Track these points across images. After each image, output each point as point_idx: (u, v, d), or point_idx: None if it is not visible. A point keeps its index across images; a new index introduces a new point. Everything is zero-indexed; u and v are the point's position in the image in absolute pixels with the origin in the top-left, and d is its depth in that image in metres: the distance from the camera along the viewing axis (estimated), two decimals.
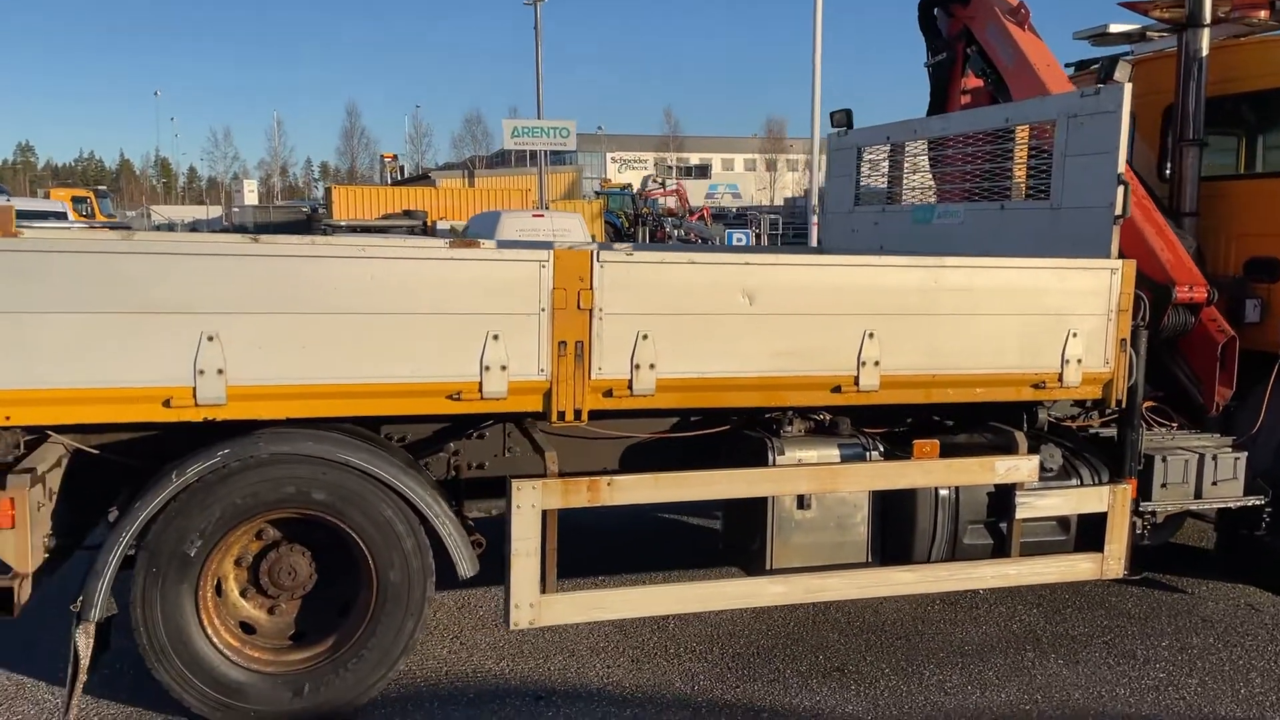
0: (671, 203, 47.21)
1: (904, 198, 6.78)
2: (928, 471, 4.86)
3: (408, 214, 27.39)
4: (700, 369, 4.46)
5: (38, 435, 4.00)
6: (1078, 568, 5.17)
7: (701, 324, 4.43)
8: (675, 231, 39.07)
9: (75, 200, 35.92)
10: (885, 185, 7.03)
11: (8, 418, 3.77)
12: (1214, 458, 5.40)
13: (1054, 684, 4.72)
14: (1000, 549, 5.13)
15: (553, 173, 46.40)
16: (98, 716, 4.26)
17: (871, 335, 4.64)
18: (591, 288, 4.25)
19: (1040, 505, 5.05)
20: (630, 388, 4.38)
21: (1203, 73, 5.87)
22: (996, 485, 5.05)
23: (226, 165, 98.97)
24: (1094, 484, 5.20)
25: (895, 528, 5.06)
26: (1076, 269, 4.90)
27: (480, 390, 4.20)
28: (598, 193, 52.20)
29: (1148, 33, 6.83)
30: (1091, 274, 4.92)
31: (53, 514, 4.04)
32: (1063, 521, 5.20)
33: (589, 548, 5.82)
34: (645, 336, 4.35)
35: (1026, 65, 6.19)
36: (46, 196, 39.46)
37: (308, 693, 4.17)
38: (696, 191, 51.27)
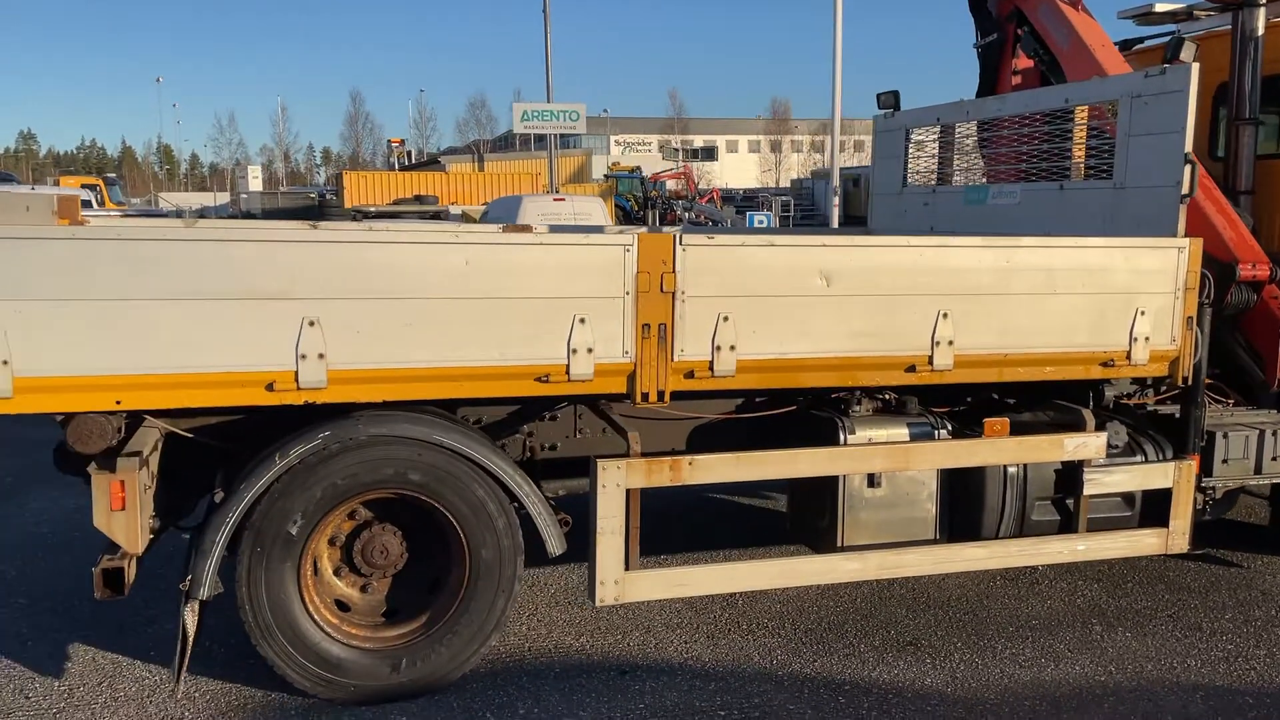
0: (677, 185, 47.22)
1: (955, 179, 6.83)
2: (999, 449, 4.94)
3: (419, 199, 27.36)
4: (779, 350, 4.53)
5: (132, 419, 4.09)
6: (1143, 543, 5.25)
7: (779, 305, 4.50)
8: (685, 214, 39.07)
9: (85, 188, 36.02)
10: (935, 166, 7.08)
11: (118, 402, 3.87)
12: (1274, 433, 5.48)
13: (1125, 656, 4.81)
14: (1067, 525, 5.21)
15: (562, 156, 46.48)
16: (197, 692, 4.37)
17: (945, 315, 4.71)
18: (674, 271, 4.33)
19: (1107, 482, 5.13)
20: (711, 369, 4.46)
21: (1259, 51, 5.89)
22: (1063, 462, 5.13)
23: (231, 151, 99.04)
24: (1158, 460, 5.27)
25: (964, 505, 5.15)
26: (1145, 248, 4.96)
27: (567, 373, 4.28)
28: (607, 175, 52.24)
29: (1195, 11, 6.85)
30: (1160, 253, 4.98)
31: (154, 496, 4.15)
32: (1128, 497, 5.27)
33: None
34: (726, 318, 4.43)
35: (1082, 46, 6.22)
36: (56, 184, 39.57)
37: (405, 667, 4.28)
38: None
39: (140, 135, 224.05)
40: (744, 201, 51.81)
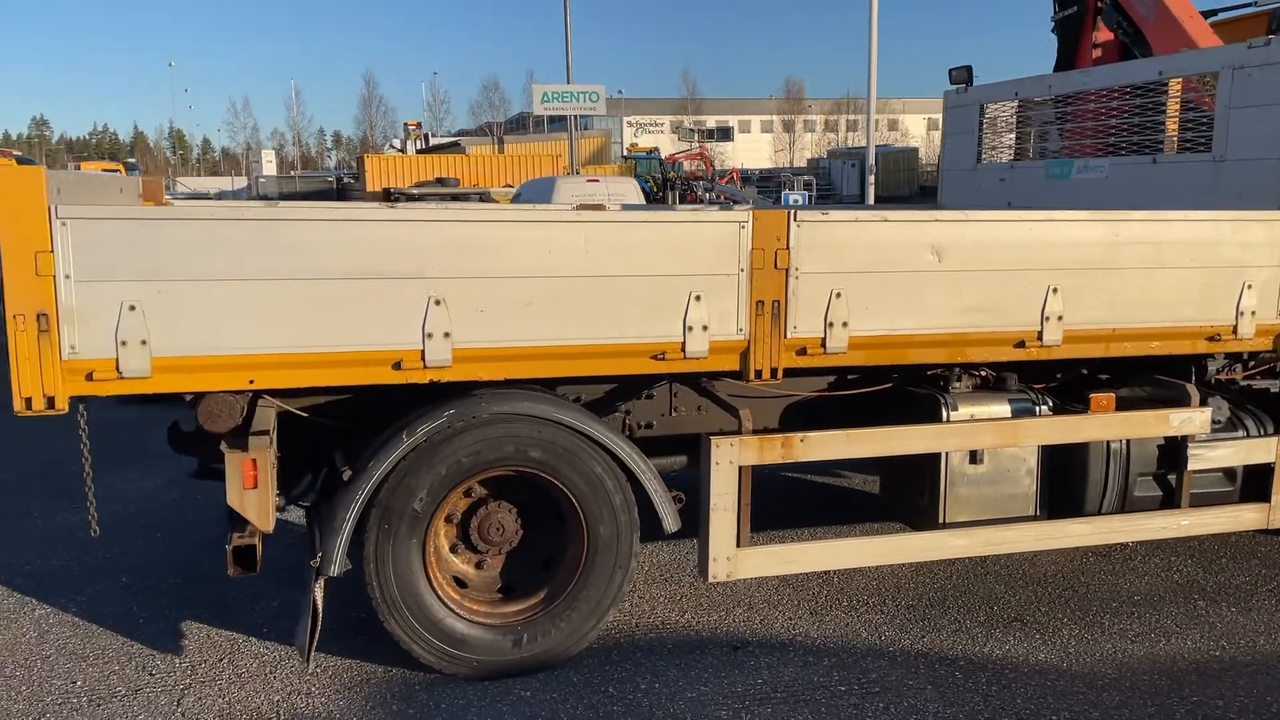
0: (693, 165, 47.09)
1: (1035, 154, 6.79)
2: (1105, 425, 4.93)
3: (440, 181, 27.32)
4: (889, 326, 4.53)
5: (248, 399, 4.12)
6: (1243, 518, 5.23)
7: (891, 281, 4.49)
8: (706, 195, 38.97)
9: (106, 173, 36.17)
10: (1012, 141, 7.04)
11: (251, 381, 3.90)
12: None
13: (1235, 631, 4.80)
14: (1168, 501, 5.19)
15: (581, 138, 46.45)
16: (319, 668, 4.41)
17: (1055, 290, 4.68)
18: (788, 247, 4.32)
19: (1211, 457, 5.11)
20: (824, 346, 4.45)
21: None
22: (1166, 438, 5.11)
23: (246, 135, 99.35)
24: (1260, 435, 5.24)
25: (1065, 481, 5.14)
26: (1254, 221, 4.91)
27: (683, 350, 4.29)
28: (625, 156, 52.21)
29: None
30: (1267, 225, 4.93)
31: (277, 474, 4.19)
32: (1229, 472, 5.25)
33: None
34: (838, 295, 4.42)
35: (1170, 17, 6.16)
36: (77, 169, 39.79)
37: (526, 643, 4.31)
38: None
39: (152, 120, 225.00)
40: (761, 182, 51.62)
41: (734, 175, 50.62)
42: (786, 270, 4.34)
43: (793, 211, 4.32)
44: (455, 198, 21.21)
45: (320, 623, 4.03)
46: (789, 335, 4.40)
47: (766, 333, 4.37)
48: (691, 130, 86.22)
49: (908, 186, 59.93)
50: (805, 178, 50.07)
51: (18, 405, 3.64)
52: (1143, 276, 4.80)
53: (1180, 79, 5.74)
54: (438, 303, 3.98)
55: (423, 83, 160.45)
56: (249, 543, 3.98)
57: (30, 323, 3.59)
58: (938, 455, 4.88)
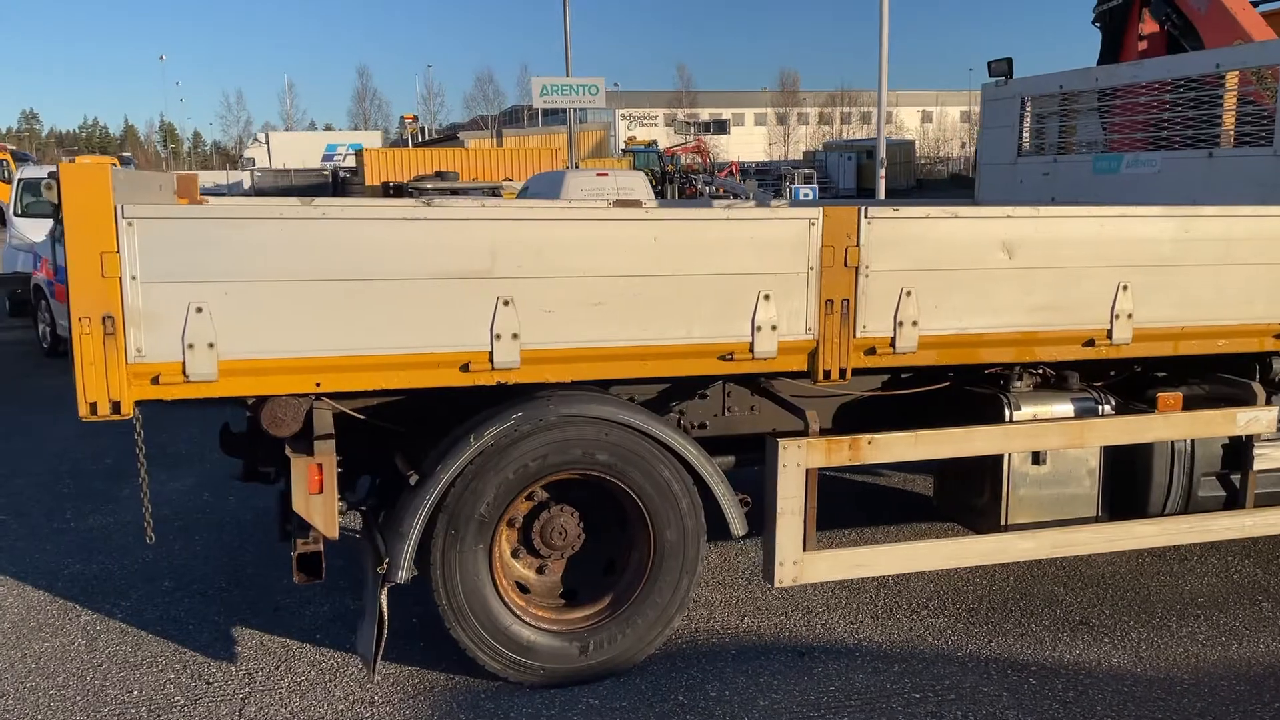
0: (689, 159, 47.04)
1: (1081, 148, 6.70)
2: (1172, 424, 4.85)
3: (440, 175, 27.16)
4: (959, 325, 4.44)
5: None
6: None
7: (961, 279, 4.40)
8: (706, 188, 38.87)
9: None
10: (1055, 135, 6.95)
11: (318, 384, 3.81)
12: None
13: None
14: (1232, 501, 5.11)
15: (580, 131, 46.38)
16: (378, 674, 4.32)
17: (1125, 287, 4.59)
18: (859, 244, 4.23)
19: (1276, 456, 5.02)
20: (893, 345, 4.36)
21: None
22: (1231, 437, 5.02)
23: (240, 129, 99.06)
24: None
25: (1128, 482, 5.05)
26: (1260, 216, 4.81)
27: (751, 350, 4.20)
28: (624, 150, 52.14)
29: None
30: None
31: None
32: None
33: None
34: (908, 293, 4.33)
35: (1223, 10, 6.08)
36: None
37: (593, 650, 4.22)
38: None
39: (143, 114, 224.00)
40: (758, 175, 51.49)
41: (733, 168, 50.53)
42: (856, 268, 4.25)
43: (864, 208, 4.23)
44: (455, 193, 21.08)
45: (386, 631, 3.94)
46: (858, 335, 4.30)
47: (835, 332, 4.27)
48: (687, 123, 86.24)
49: (905, 179, 59.87)
50: (805, 170, 49.95)
51: (82, 410, 3.54)
52: (1212, 273, 4.72)
53: (1237, 72, 5.65)
54: (506, 303, 3.88)
55: (417, 76, 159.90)
56: (314, 549, 3.89)
57: (96, 325, 3.49)
58: (1000, 456, 4.79)
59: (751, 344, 4.19)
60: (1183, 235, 4.64)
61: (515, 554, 4.36)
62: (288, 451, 3.84)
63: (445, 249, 3.81)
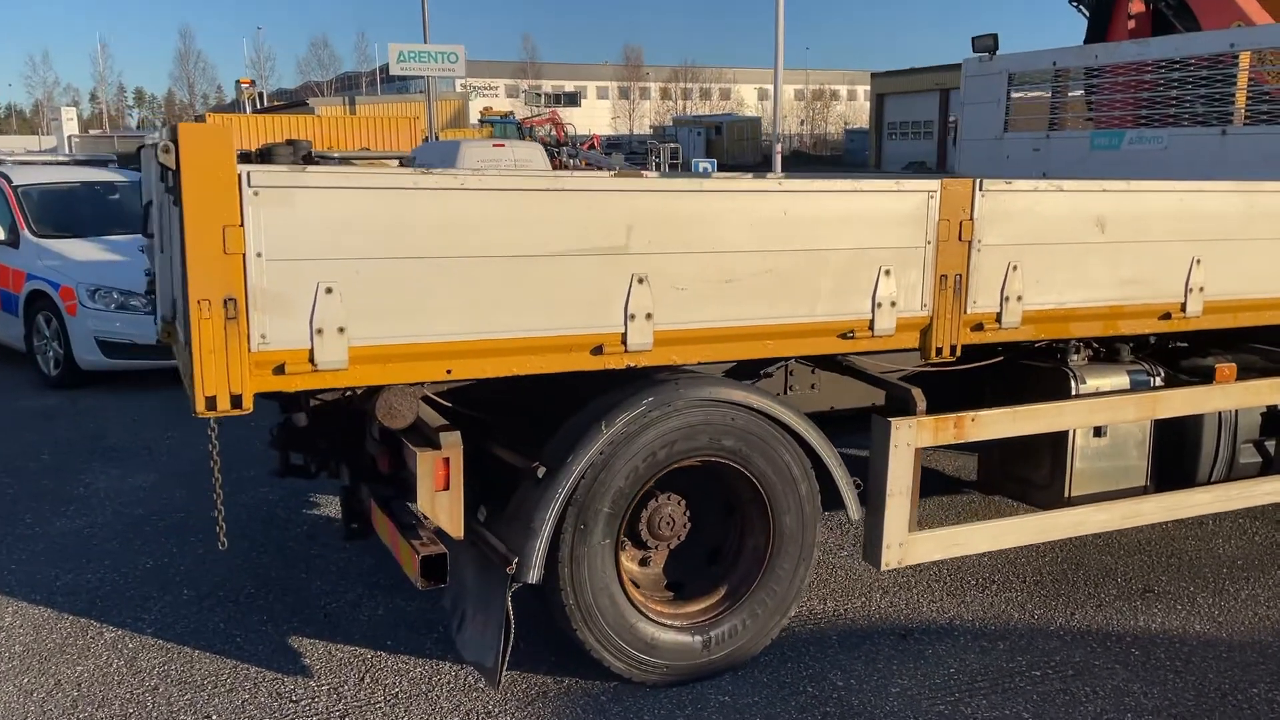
0: (545, 131, 46.71)
1: (1080, 124, 6.83)
2: (1228, 394, 4.98)
3: (291, 144, 25.95)
4: (1057, 300, 4.42)
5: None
6: None
7: (1059, 254, 4.39)
8: (571, 160, 38.53)
9: None
10: (1048, 111, 7.06)
11: (449, 371, 3.48)
12: None
13: None
14: (1266, 466, 5.31)
15: (440, 100, 45.30)
16: (477, 680, 4.02)
17: (1199, 261, 4.67)
18: (973, 218, 4.15)
19: None
20: (999, 320, 4.32)
21: None
22: (1270, 405, 5.21)
23: (46, 90, 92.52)
24: None
25: (1176, 452, 5.16)
26: None
27: (871, 328, 4.08)
28: (481, 121, 51.29)
29: None
30: None
31: None
32: None
33: None
34: (1015, 268, 4.29)
35: None
36: None
37: (715, 644, 4.04)
38: None
39: None
40: (608, 149, 51.37)
41: (595, 141, 50.25)
42: (970, 243, 4.17)
43: (978, 181, 4.15)
44: (344, 160, 20.11)
45: (512, 635, 3.65)
46: (969, 310, 4.23)
47: (948, 308, 4.19)
48: (537, 94, 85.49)
49: (752, 155, 60.97)
50: (672, 145, 50.13)
51: (199, 406, 3.11)
52: (1270, 247, 4.85)
53: (1248, 53, 5.83)
54: (641, 281, 3.64)
55: (244, 39, 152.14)
56: (439, 551, 3.55)
57: (216, 309, 3.08)
58: (1067, 430, 4.82)
59: (872, 321, 4.07)
60: (1247, 210, 4.75)
61: (620, 545, 4.12)
62: (409, 446, 3.49)
63: (581, 223, 3.53)
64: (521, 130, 47.90)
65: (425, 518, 3.52)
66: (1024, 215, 4.27)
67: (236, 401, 3.16)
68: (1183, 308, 4.70)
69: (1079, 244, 4.41)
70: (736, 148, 63.29)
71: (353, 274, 3.24)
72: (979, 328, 4.30)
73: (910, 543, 4.33)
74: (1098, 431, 4.94)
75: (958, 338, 4.25)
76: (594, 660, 3.86)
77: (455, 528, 3.56)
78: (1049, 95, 7.03)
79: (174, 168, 2.99)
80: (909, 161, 53.93)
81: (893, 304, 4.08)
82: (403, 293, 3.32)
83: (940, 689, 4.01)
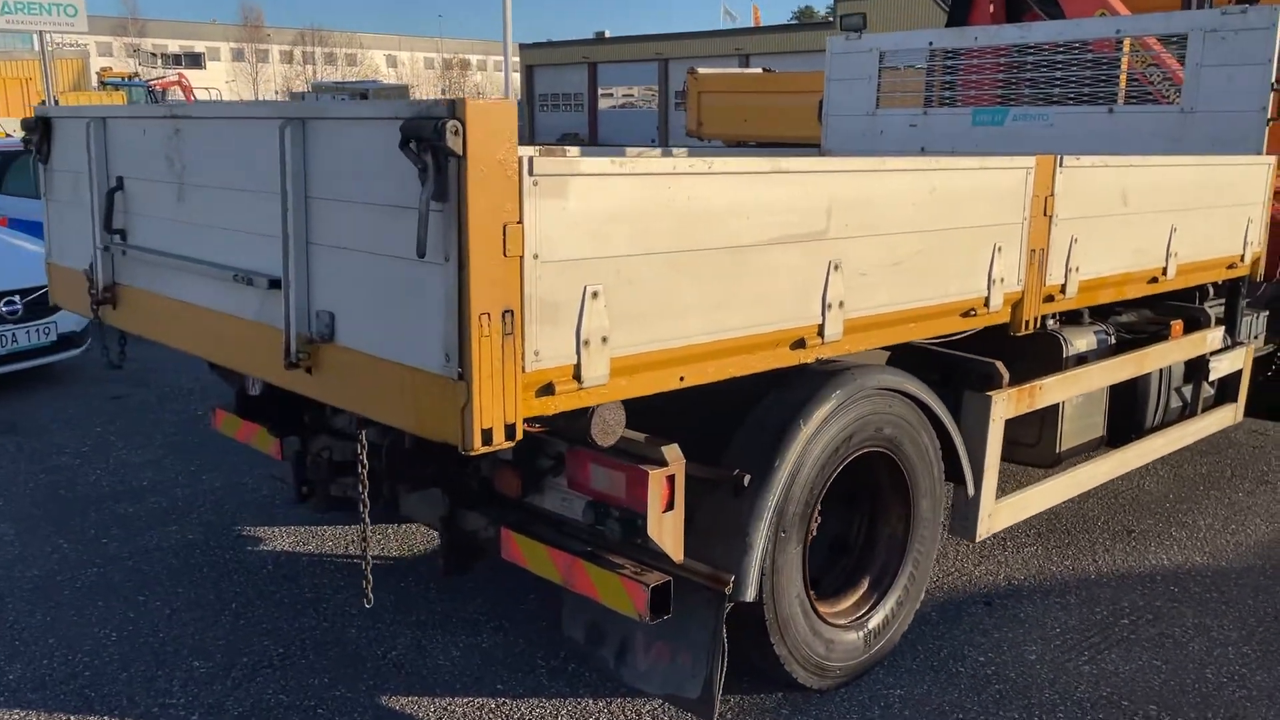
0: (174, 95, 43.28)
1: (960, 101, 7.24)
2: (1180, 347, 5.54)
3: None
4: (1096, 270, 4.69)
5: None
6: (1228, 416, 6.18)
7: (1099, 226, 4.64)
8: None
9: None
10: (921, 89, 7.43)
11: (681, 378, 3.10)
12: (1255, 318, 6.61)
13: None
14: (1186, 409, 5.97)
15: (61, 59, 40.40)
16: (628, 704, 3.67)
17: (1175, 229, 5.14)
18: (1053, 194, 4.30)
19: (1219, 368, 5.95)
20: (1063, 291, 4.51)
21: None
22: (1196, 355, 5.85)
23: None
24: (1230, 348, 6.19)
25: (1129, 403, 5.66)
26: (1242, 164, 5.69)
27: (987, 305, 4.12)
28: (103, 83, 46.43)
29: None
30: (1255, 169, 5.77)
31: None
32: (1220, 380, 6.15)
33: None
34: (1076, 240, 4.49)
35: None
36: None
37: (873, 638, 3.94)
38: None
39: None
40: None
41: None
42: (1051, 217, 4.31)
43: (1059, 157, 4.29)
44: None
45: (725, 658, 3.35)
46: (1046, 283, 4.39)
47: (1034, 282, 4.32)
48: (153, 55, 78.35)
49: None
50: None
51: (475, 442, 2.57)
52: (1211, 215, 5.43)
53: (1128, 39, 6.45)
54: (836, 268, 3.44)
55: None
56: (665, 579, 3.18)
57: (495, 324, 2.55)
58: None
59: (987, 298, 4.11)
60: (1205, 180, 5.28)
61: None
62: (638, 467, 3.09)
63: (791, 208, 3.27)
64: (152, 94, 43.81)
65: (652, 541, 3.13)
66: (1083, 190, 4.47)
67: (510, 432, 2.64)
68: (1164, 271, 5.14)
69: (1113, 216, 4.69)
70: None
71: (614, 274, 2.80)
72: (1049, 299, 4.46)
73: (995, 512, 4.45)
74: None
75: (1038, 310, 4.39)
76: (777, 676, 3.64)
77: (678, 550, 3.19)
78: (924, 73, 7.40)
79: (459, 154, 2.42)
80: (562, 133, 54.85)
81: (1001, 280, 4.13)
82: (653, 294, 2.92)
83: (1065, 649, 4.17)
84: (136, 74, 51.67)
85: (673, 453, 3.12)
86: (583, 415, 2.95)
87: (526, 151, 2.59)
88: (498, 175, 2.49)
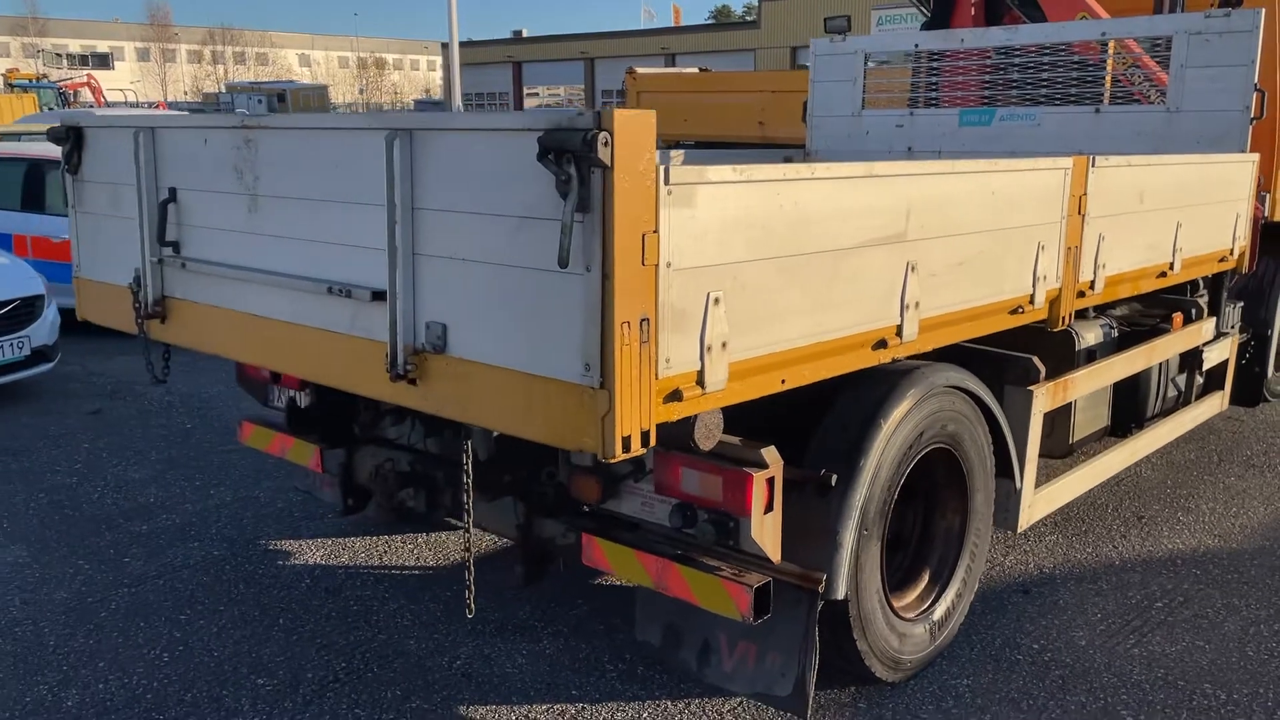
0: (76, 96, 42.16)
1: (947, 102, 7.40)
2: (1181, 337, 5.76)
3: None
4: (1117, 267, 4.85)
5: None
6: (1218, 403, 6.44)
7: (1120, 224, 4.80)
8: None
9: None
10: (908, 90, 7.58)
11: (783, 381, 3.14)
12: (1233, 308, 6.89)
13: None
14: (1180, 397, 6.20)
15: None
16: (730, 707, 3.71)
17: (1180, 225, 5.33)
18: (1086, 193, 4.44)
19: (1211, 357, 6.19)
20: (1093, 287, 4.66)
21: None
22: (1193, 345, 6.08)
23: None
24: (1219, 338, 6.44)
25: (1130, 393, 5.86)
26: (1227, 163, 5.92)
27: (1032, 302, 4.24)
28: (10, 85, 44.99)
29: None
30: (1243, 166, 6.01)
31: None
32: (1208, 370, 6.39)
33: None
34: (1103, 238, 4.65)
35: None
36: None
37: (937, 630, 4.03)
38: None
39: None
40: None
41: (161, 107, 45.65)
42: (1084, 216, 4.45)
43: (1091, 158, 4.43)
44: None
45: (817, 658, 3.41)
46: (1079, 280, 4.53)
47: (1071, 279, 4.46)
48: (57, 54, 76.01)
49: None
50: (241, 113, 46.66)
51: (614, 450, 2.58)
52: (1210, 210, 5.65)
53: (1113, 41, 6.66)
54: (913, 269, 3.52)
55: None
56: (766, 580, 3.22)
57: (634, 332, 2.57)
58: None
59: (1032, 295, 4.23)
60: (1204, 178, 5.49)
61: None
62: (740, 470, 3.12)
63: (877, 209, 3.34)
64: (64, 96, 42.56)
65: (754, 549, 3.17)
66: (1109, 190, 4.62)
67: (645, 439, 2.66)
68: (1171, 266, 5.34)
69: (1132, 214, 4.86)
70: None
71: (732, 280, 2.84)
72: (1080, 295, 4.60)
73: (1034, 502, 4.58)
74: None
75: (1072, 306, 4.53)
76: (856, 671, 3.72)
77: (776, 551, 3.24)
78: (910, 74, 7.54)
79: (608, 164, 2.43)
80: None
81: (1044, 277, 4.26)
82: (765, 299, 2.96)
83: (1110, 633, 4.31)
84: (45, 75, 50.07)
85: (772, 455, 3.17)
86: (685, 420, 2.97)
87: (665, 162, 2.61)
88: (639, 185, 2.50)
